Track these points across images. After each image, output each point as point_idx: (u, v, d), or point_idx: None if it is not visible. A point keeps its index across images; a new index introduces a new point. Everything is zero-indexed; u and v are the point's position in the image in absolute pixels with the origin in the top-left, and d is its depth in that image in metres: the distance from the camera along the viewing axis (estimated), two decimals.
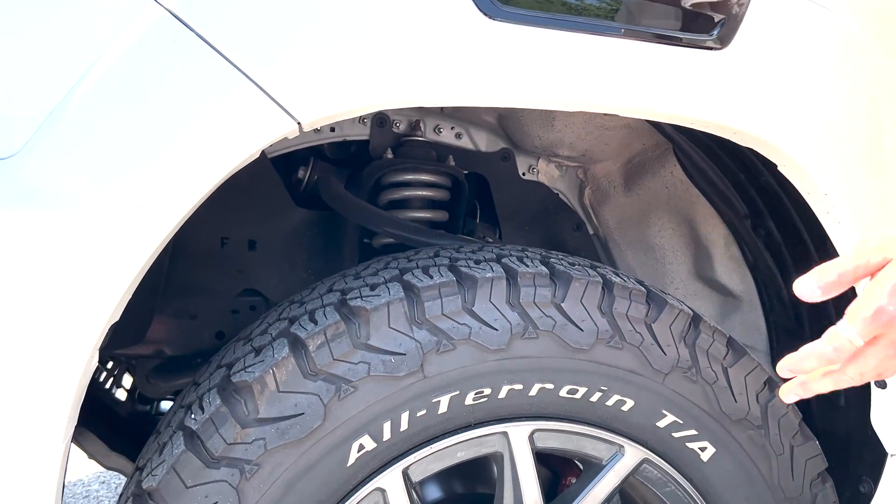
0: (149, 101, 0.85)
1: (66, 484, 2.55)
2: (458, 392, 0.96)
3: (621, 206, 1.58)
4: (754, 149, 1.05)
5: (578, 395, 1.00)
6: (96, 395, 1.74)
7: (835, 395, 1.30)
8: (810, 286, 0.71)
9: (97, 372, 1.85)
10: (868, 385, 1.21)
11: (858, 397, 1.25)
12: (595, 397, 1.00)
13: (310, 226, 1.50)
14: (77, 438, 1.60)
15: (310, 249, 1.50)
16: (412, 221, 1.39)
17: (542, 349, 0.98)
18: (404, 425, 0.95)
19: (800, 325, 1.38)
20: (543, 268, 1.02)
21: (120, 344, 1.36)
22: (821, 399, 1.33)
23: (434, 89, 0.90)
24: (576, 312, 1.00)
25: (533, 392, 0.99)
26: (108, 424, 1.64)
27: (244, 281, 1.50)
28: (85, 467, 2.53)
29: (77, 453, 2.57)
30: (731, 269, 1.49)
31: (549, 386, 0.99)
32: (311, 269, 1.49)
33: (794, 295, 1.45)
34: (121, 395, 1.88)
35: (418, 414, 0.95)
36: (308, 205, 1.48)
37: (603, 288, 1.02)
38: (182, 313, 1.50)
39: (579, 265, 1.06)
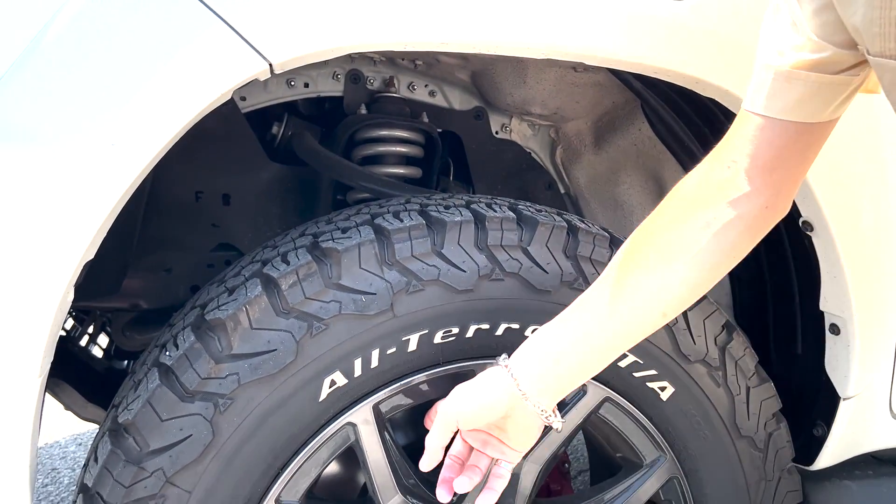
0: (121, 40, 0.86)
1: (42, 446, 2.56)
2: (427, 331, 0.99)
3: (591, 165, 1.61)
4: (716, 99, 1.08)
5: None
6: (72, 352, 1.75)
7: (791, 343, 1.35)
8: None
9: (73, 330, 1.86)
10: (822, 333, 1.26)
11: (813, 345, 1.30)
12: None
13: (284, 181, 1.51)
14: (53, 389, 1.62)
15: (284, 205, 1.52)
16: (386, 177, 1.41)
17: (508, 291, 1.02)
18: (375, 362, 0.98)
19: (761, 278, 1.43)
20: (511, 213, 1.05)
21: (96, 295, 1.38)
22: (778, 347, 1.38)
23: (405, 32, 0.92)
24: (541, 255, 1.03)
25: (499, 332, 1.02)
26: (84, 378, 1.66)
27: (219, 235, 1.52)
28: (61, 429, 2.55)
29: (53, 416, 2.58)
30: None
31: (515, 326, 1.03)
32: (285, 224, 1.51)
33: (757, 252, 1.50)
34: (97, 353, 1.89)
35: (388, 352, 0.98)
36: (282, 161, 1.49)
37: (568, 232, 1.06)
38: (157, 267, 1.51)
39: (546, 212, 1.09)
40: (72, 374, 1.65)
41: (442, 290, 0.99)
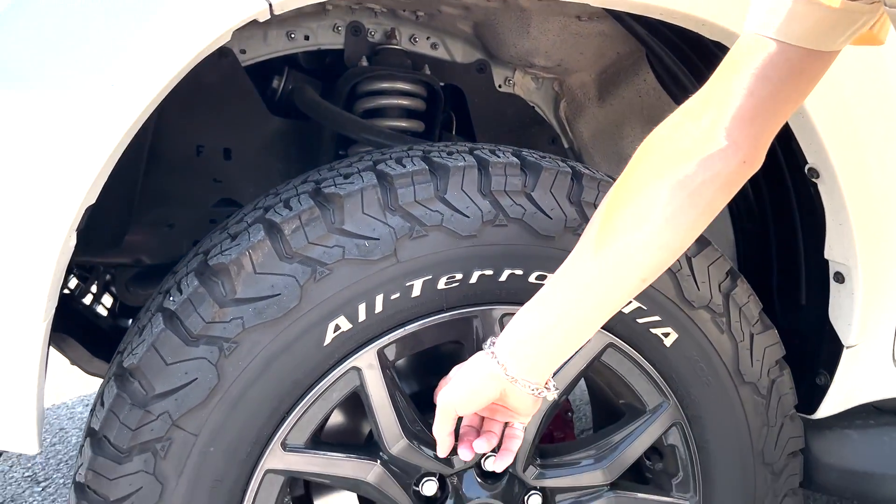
0: None
1: (49, 406, 2.59)
2: (430, 276, 0.99)
3: (596, 118, 1.60)
4: (721, 42, 1.07)
5: None
6: (77, 310, 1.76)
7: (795, 293, 1.35)
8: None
9: (77, 289, 1.86)
10: (827, 282, 1.26)
11: (817, 295, 1.30)
12: None
13: (286, 135, 1.50)
14: (59, 344, 1.63)
15: (286, 159, 1.51)
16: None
17: (512, 236, 1.01)
18: (379, 307, 0.98)
19: (765, 229, 1.42)
20: (514, 158, 1.04)
21: (99, 249, 1.38)
22: (783, 298, 1.38)
23: None
24: (545, 201, 1.02)
25: (503, 278, 1.02)
26: (89, 334, 1.67)
27: (221, 191, 1.51)
28: (69, 390, 2.57)
29: (60, 377, 2.60)
30: None
31: (519, 272, 1.02)
32: (287, 179, 1.50)
33: (762, 202, 1.48)
34: (102, 312, 1.90)
35: (392, 297, 0.98)
36: (284, 115, 1.48)
37: (572, 178, 1.05)
38: (159, 222, 1.51)
39: (550, 158, 1.08)
40: (77, 330, 1.66)
41: (445, 236, 0.98)
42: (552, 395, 0.92)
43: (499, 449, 0.98)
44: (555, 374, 1.02)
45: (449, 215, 0.98)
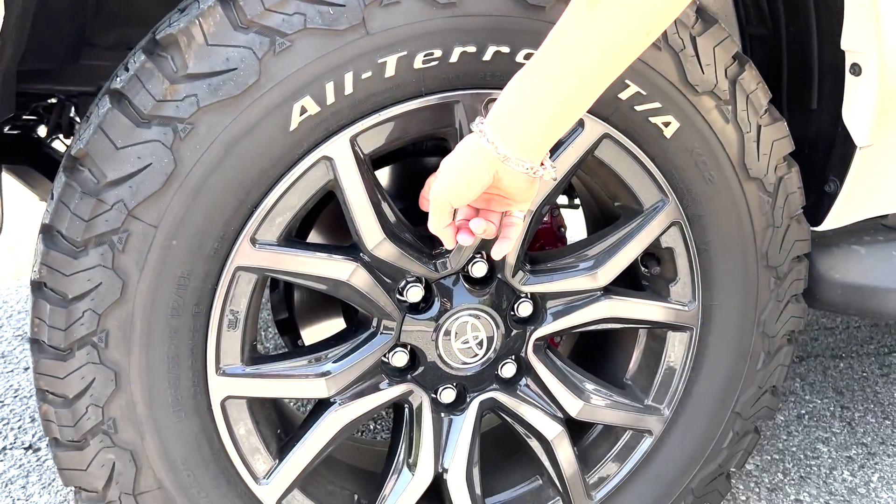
0: None
1: None
2: (405, 52, 0.89)
3: None
4: None
5: None
6: (47, 153, 1.68)
7: (806, 97, 1.25)
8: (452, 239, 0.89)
9: (49, 137, 1.77)
10: (840, 82, 1.16)
11: (829, 98, 1.20)
12: None
13: None
14: (28, 181, 1.56)
15: None
16: None
17: (497, 6, 0.91)
18: (349, 88, 0.89)
19: (776, 33, 1.31)
20: None
21: (55, 65, 1.28)
22: (792, 103, 1.28)
23: None
24: None
25: (487, 56, 0.92)
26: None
27: None
28: None
29: None
30: None
31: (505, 49, 0.92)
32: None
33: (771, 6, 1.35)
34: None
35: (363, 76, 0.89)
36: None
37: None
38: (120, 45, 1.41)
39: None
40: (47, 171, 1.59)
41: (421, 4, 0.88)
42: (549, 175, 0.84)
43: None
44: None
45: None
